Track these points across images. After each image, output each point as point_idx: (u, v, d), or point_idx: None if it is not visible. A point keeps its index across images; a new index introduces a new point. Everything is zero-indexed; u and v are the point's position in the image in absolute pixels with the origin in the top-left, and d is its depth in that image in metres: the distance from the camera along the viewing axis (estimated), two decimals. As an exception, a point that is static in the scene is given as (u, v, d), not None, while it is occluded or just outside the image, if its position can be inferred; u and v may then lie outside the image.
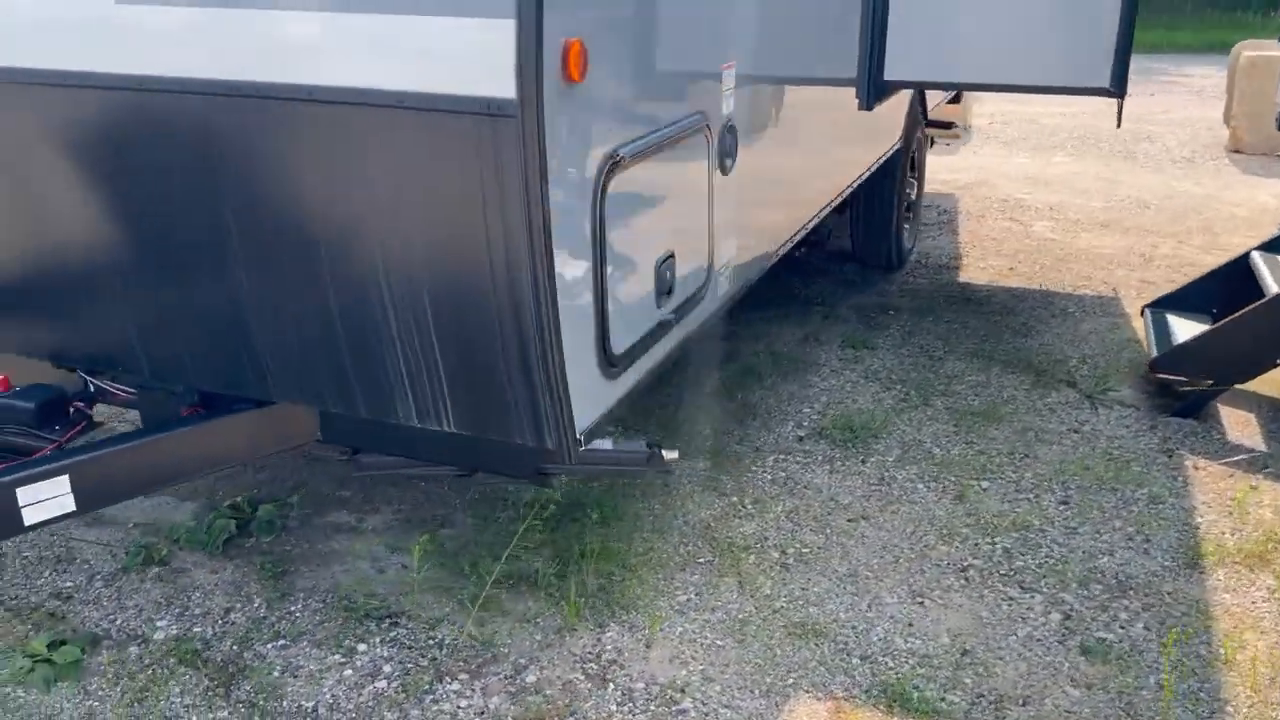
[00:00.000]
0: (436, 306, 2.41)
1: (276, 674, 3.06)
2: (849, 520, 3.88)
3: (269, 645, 3.18)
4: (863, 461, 4.30)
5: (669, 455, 3.06)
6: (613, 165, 2.50)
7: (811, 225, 4.48)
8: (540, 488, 3.65)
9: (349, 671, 3.08)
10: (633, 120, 2.60)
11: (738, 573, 3.51)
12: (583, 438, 2.55)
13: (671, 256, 2.92)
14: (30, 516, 2.52)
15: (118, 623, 3.29)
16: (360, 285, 2.46)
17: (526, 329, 2.34)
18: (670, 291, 2.95)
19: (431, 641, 3.19)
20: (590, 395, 2.58)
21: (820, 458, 4.32)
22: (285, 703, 2.95)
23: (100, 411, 3.43)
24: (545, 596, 3.36)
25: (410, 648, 3.17)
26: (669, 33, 2.74)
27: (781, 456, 4.33)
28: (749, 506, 3.94)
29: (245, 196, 2.44)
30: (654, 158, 2.74)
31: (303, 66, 2.29)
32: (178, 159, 2.45)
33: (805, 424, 4.61)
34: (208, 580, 3.50)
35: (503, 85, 2.13)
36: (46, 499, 2.54)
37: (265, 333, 2.66)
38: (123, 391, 3.11)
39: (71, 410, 2.99)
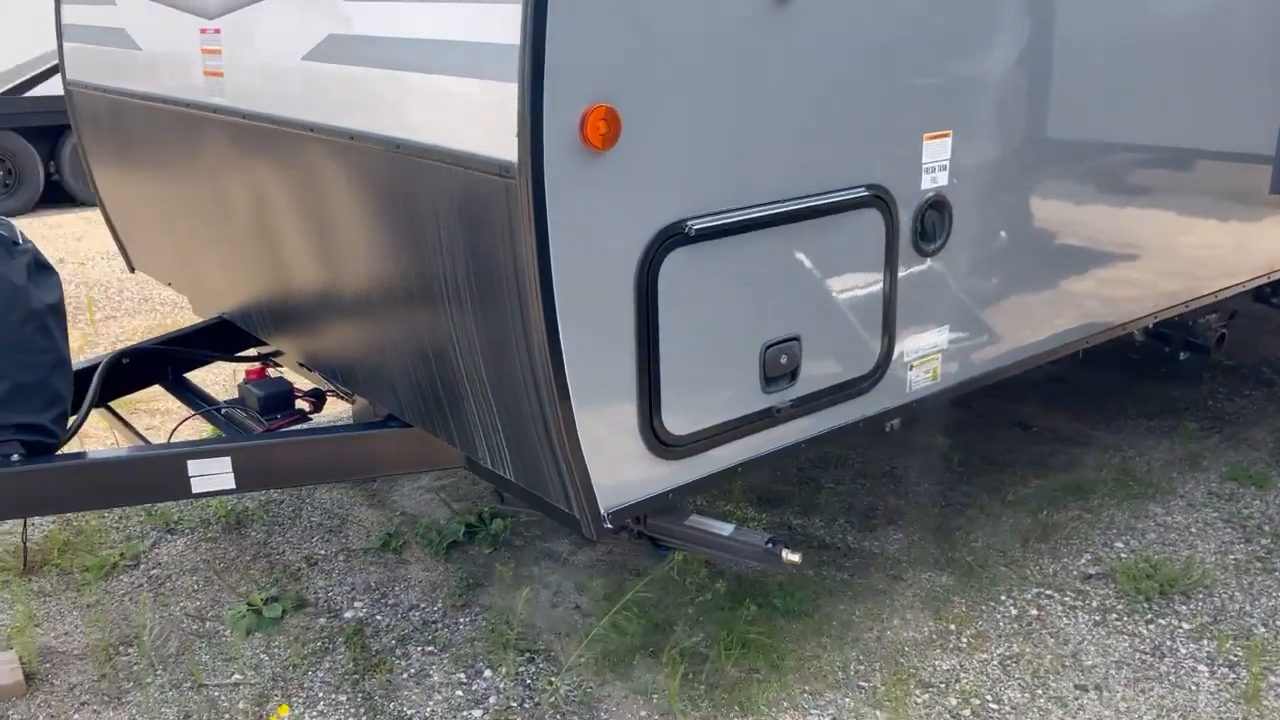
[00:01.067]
0: (487, 359, 2.46)
1: (406, 676, 3.29)
2: (1076, 686, 3.22)
3: (419, 648, 3.42)
4: (1148, 621, 3.53)
5: (790, 557, 2.80)
6: (671, 238, 2.35)
7: (1140, 321, 3.76)
8: (652, 560, 3.50)
9: (460, 693, 3.21)
10: (714, 192, 2.42)
11: (895, 711, 3.08)
12: (608, 515, 2.44)
13: (794, 340, 2.66)
14: (197, 486, 2.98)
15: (328, 594, 3.74)
16: (437, 329, 2.58)
17: (544, 394, 2.30)
18: (790, 378, 2.69)
19: (548, 687, 3.22)
20: (629, 473, 2.45)
21: (1095, 604, 3.62)
22: (394, 704, 3.16)
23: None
24: (672, 673, 3.22)
25: (526, 686, 3.23)
26: (787, 98, 2.50)
27: (1047, 591, 3.70)
28: (963, 640, 3.44)
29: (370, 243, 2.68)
30: (761, 233, 2.52)
31: (385, 120, 2.47)
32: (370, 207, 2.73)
33: (1104, 561, 3.89)
34: (417, 576, 3.84)
35: (511, 149, 2.12)
36: (212, 474, 2.98)
37: (389, 361, 2.89)
38: (343, 396, 3.54)
39: (296, 403, 3.47)
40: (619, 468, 2.43)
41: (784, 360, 2.66)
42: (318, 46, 2.71)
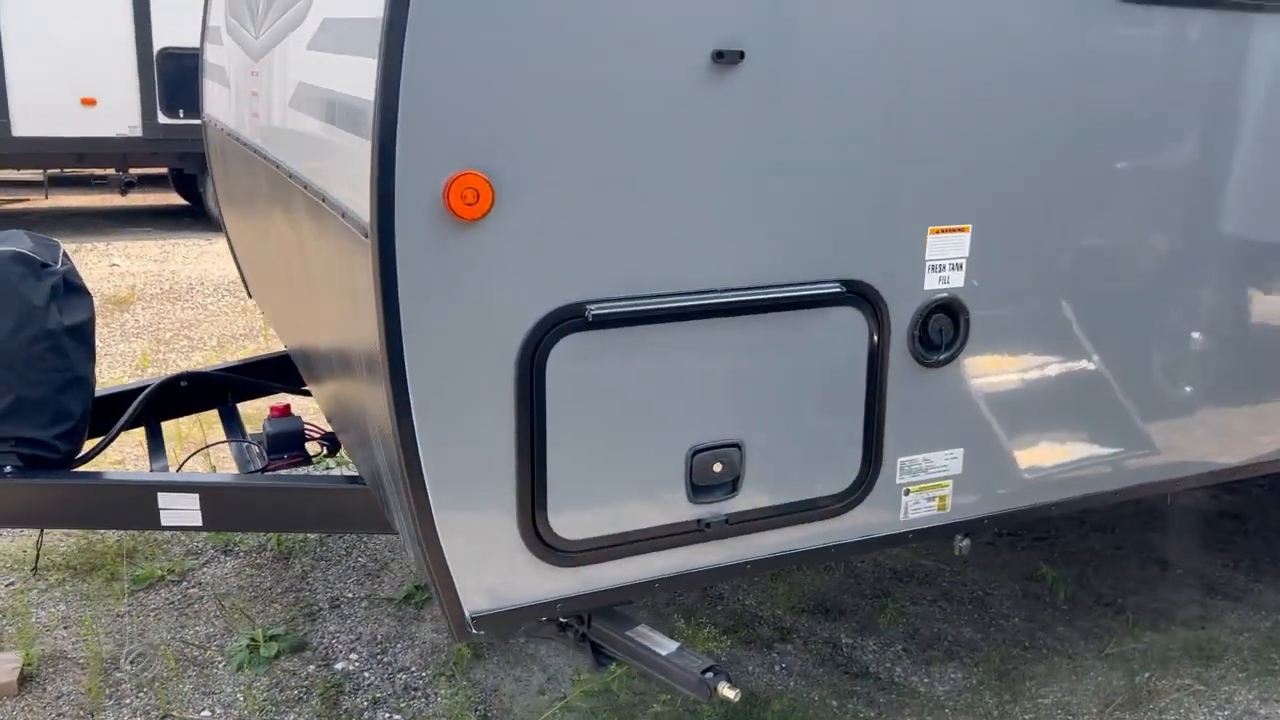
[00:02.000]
0: (376, 432, 2.30)
1: (360, 742, 3.16)
2: None
3: (388, 714, 3.29)
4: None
5: (725, 693, 2.46)
6: (564, 322, 2.11)
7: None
8: (593, 670, 3.18)
9: (400, 771, 3.04)
10: (623, 273, 2.15)
11: None
12: (473, 619, 2.20)
13: (733, 447, 2.34)
14: (166, 519, 2.99)
15: (331, 640, 3.68)
16: (356, 394, 2.45)
17: (399, 480, 2.12)
18: (728, 488, 2.36)
19: (491, 783, 3.00)
20: (505, 577, 2.21)
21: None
22: (334, 771, 3.04)
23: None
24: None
25: (468, 778, 3.02)
26: (729, 173, 2.20)
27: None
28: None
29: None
30: (689, 324, 2.22)
31: (313, 169, 2.38)
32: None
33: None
34: (424, 635, 3.72)
35: (367, 207, 1.97)
36: (180, 509, 2.98)
37: (343, 417, 2.80)
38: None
39: (307, 445, 3.44)
40: (491, 570, 2.19)
41: (718, 468, 2.34)
42: (294, 94, 2.66)
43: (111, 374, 6.67)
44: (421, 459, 2.06)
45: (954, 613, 3.96)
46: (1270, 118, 2.75)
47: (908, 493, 2.60)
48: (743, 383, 2.33)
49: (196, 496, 2.96)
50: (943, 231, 2.44)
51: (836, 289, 2.35)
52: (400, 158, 1.90)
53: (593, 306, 2.13)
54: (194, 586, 4.03)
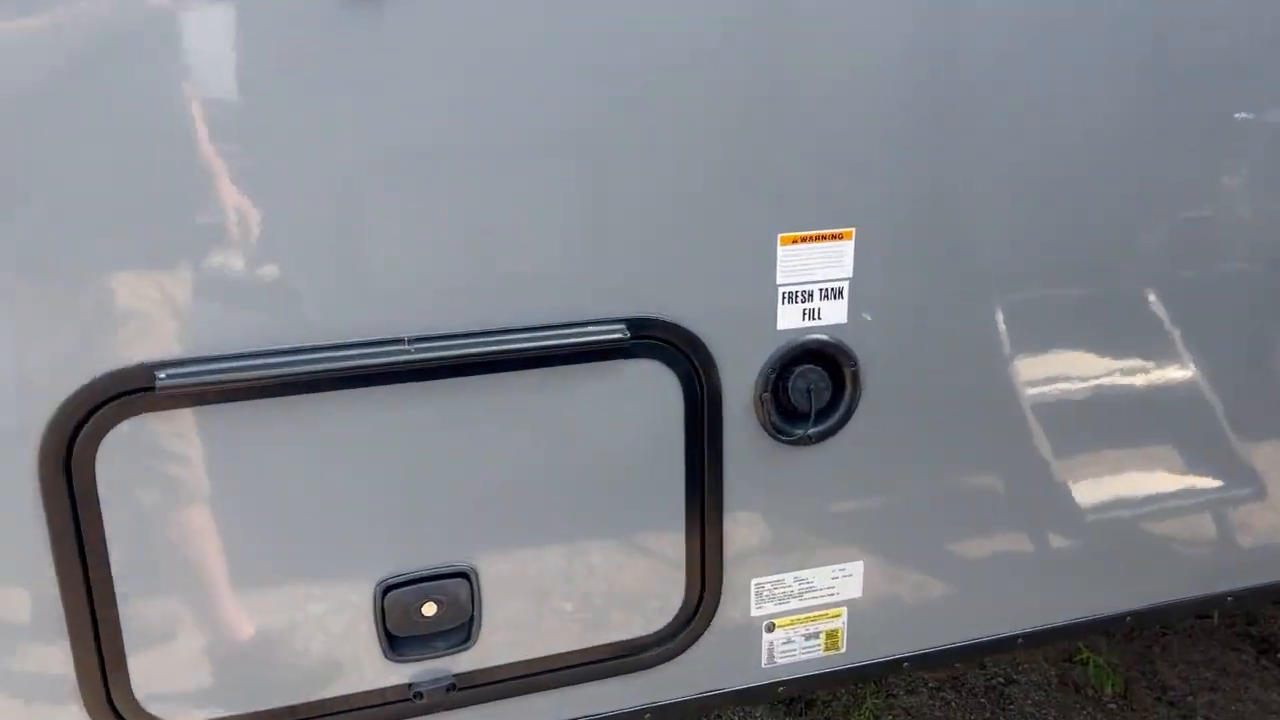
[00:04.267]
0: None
1: None
2: None
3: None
4: None
5: None
6: (117, 398, 1.32)
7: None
8: None
9: None
10: (217, 325, 1.34)
11: None
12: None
13: (463, 578, 1.51)
14: None
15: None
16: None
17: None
18: (457, 638, 1.54)
19: None
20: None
21: None
22: None
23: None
24: None
25: None
26: (376, 167, 1.36)
27: None
28: None
29: None
30: (345, 394, 1.40)
31: None
32: None
33: None
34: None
35: None
36: None
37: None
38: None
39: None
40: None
41: (430, 610, 1.51)
42: None
43: None
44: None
45: (962, 708, 3.04)
46: None
47: (772, 628, 1.72)
48: (469, 477, 1.50)
49: None
50: (801, 241, 1.54)
51: (618, 334, 1.48)
52: None
53: (168, 372, 1.32)
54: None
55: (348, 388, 1.39)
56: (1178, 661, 3.21)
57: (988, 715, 3.01)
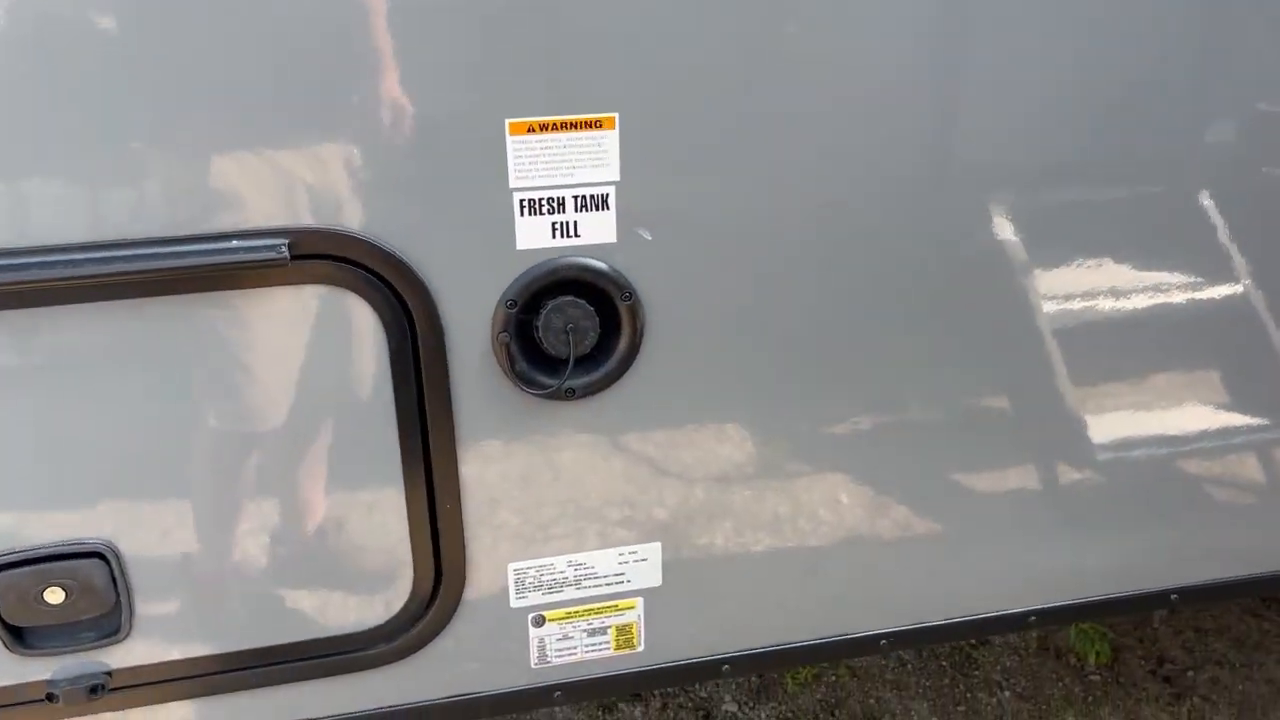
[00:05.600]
0: None
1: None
2: None
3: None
4: None
5: None
6: None
7: None
8: None
9: None
10: None
11: None
12: None
13: (98, 558, 1.19)
14: None
15: None
16: None
17: None
18: (101, 630, 1.23)
19: None
20: None
21: None
22: None
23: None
24: None
25: None
26: None
27: None
28: None
29: None
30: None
31: None
32: None
33: None
34: None
35: None
36: None
37: None
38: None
39: None
40: None
41: (56, 596, 1.19)
42: None
43: None
44: None
45: (919, 671, 2.67)
46: None
47: (541, 622, 1.36)
48: (94, 434, 1.15)
49: None
50: (539, 129, 1.12)
51: (272, 252, 1.10)
52: None
53: None
54: None
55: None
56: (1184, 628, 2.78)
57: (946, 681, 2.64)
